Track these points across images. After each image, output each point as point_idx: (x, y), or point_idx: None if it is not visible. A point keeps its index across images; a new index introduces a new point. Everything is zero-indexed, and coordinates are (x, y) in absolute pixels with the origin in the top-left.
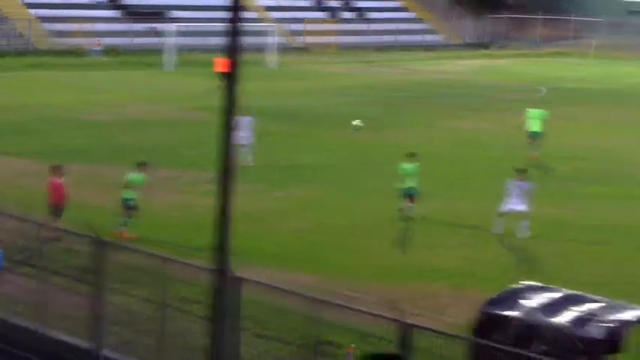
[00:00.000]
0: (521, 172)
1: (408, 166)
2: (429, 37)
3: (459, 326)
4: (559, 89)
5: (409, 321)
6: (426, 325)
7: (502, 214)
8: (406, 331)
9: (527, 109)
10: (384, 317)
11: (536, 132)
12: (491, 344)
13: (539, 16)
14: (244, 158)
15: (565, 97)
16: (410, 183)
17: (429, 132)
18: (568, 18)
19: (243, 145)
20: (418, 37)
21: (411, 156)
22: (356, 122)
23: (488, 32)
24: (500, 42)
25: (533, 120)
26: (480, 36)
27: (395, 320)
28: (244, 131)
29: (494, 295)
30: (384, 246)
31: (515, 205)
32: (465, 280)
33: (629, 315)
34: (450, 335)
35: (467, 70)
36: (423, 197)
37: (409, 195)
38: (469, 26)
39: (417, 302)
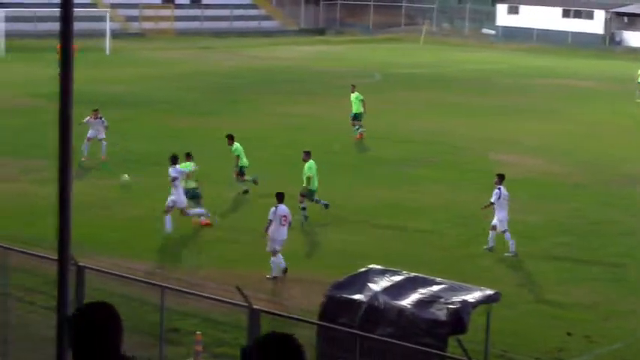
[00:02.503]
0: None
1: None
2: (264, 23)
3: (305, 310)
4: (392, 75)
5: (256, 306)
6: (273, 310)
7: None
8: (254, 317)
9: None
10: (231, 303)
11: (357, 113)
12: (338, 327)
13: (372, 3)
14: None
15: (398, 83)
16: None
17: (263, 118)
18: (400, 5)
19: (95, 140)
20: (254, 23)
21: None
22: (124, 178)
23: (323, 18)
24: (335, 28)
25: (354, 102)
26: (315, 22)
27: (242, 306)
28: (96, 127)
29: (339, 278)
30: (221, 234)
31: None
32: (305, 265)
33: (470, 296)
34: (298, 319)
35: (303, 57)
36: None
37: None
38: (304, 12)
39: (260, 287)
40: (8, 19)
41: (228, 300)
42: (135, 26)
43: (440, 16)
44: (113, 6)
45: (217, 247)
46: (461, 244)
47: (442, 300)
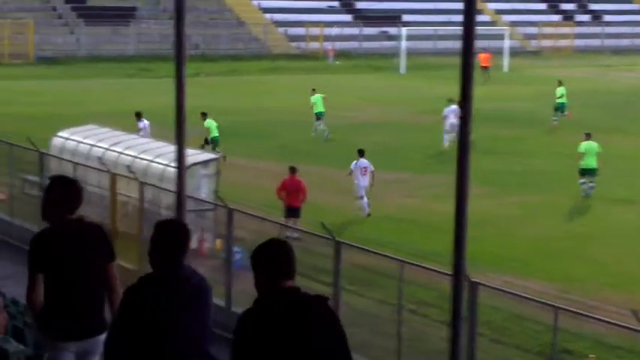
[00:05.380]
0: None
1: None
2: None
3: None
4: None
5: None
6: None
7: None
8: None
9: None
10: (627, 327)
11: (562, 103)
12: None
13: None
14: (449, 142)
15: None
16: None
17: None
18: None
19: (449, 132)
20: None
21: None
22: None
23: None
24: None
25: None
26: None
27: (637, 331)
28: (453, 119)
29: None
30: (622, 254)
31: None
32: None
33: None
34: None
35: None
36: None
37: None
38: None
39: None
40: (409, 37)
41: (622, 324)
42: (533, 44)
43: None
44: (512, 24)
45: (621, 267)
46: None
47: None
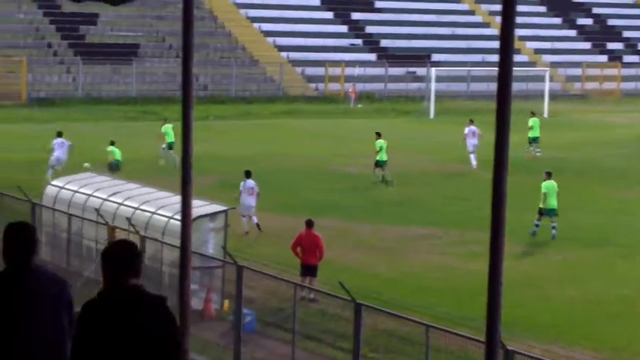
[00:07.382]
0: None
1: None
2: None
3: None
4: None
5: None
6: None
7: None
8: None
9: None
10: None
11: (536, 137)
12: None
13: None
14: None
15: None
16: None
17: None
18: None
19: (471, 152)
20: None
21: None
22: (85, 165)
23: None
24: None
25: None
26: None
27: None
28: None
29: None
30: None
31: None
32: None
33: None
34: None
35: None
36: None
37: None
38: None
39: None
40: (439, 78)
41: None
42: (577, 87)
43: None
44: (553, 65)
45: None
46: None
47: None
